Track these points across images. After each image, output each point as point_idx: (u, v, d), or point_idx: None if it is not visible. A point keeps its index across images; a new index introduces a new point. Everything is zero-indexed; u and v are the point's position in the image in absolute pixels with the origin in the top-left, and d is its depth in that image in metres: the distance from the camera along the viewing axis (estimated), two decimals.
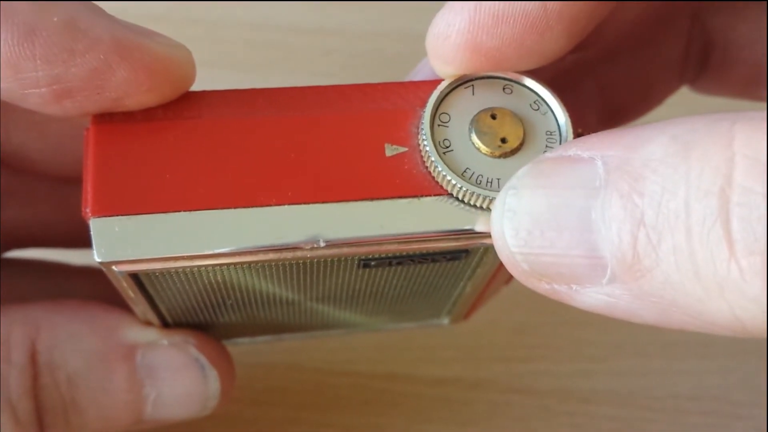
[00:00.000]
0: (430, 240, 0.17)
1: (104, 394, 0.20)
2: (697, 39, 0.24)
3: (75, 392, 0.20)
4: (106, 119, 0.17)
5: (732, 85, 0.24)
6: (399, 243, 0.17)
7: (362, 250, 0.17)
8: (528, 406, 0.29)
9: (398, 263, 0.18)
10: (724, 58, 0.23)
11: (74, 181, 0.22)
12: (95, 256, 0.16)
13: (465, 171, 0.17)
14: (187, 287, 0.18)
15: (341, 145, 0.17)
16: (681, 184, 0.13)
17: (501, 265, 0.18)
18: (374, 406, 0.29)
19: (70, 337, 0.20)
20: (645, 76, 0.24)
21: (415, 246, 0.17)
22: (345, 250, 0.17)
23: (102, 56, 0.16)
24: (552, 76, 0.20)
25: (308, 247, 0.16)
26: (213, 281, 0.18)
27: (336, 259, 0.17)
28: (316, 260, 0.17)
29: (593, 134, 0.15)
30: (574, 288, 0.15)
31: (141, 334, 0.21)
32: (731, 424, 0.29)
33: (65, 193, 0.24)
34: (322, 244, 0.16)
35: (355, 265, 0.18)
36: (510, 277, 0.20)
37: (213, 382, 0.21)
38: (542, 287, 0.16)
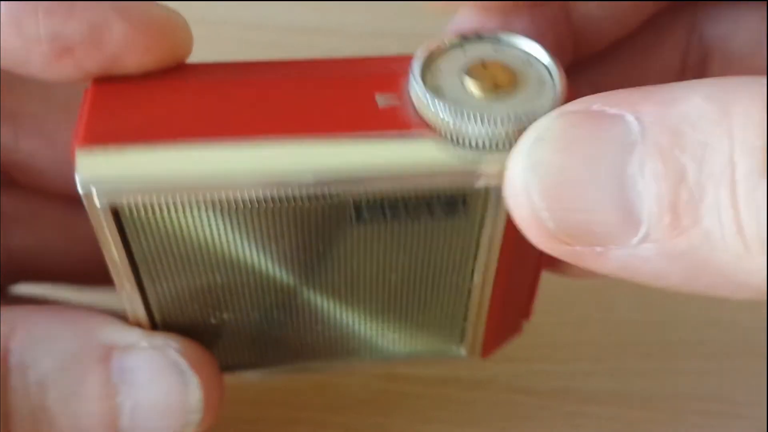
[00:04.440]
0: (422, 176, 0.17)
1: (76, 400, 0.19)
2: (696, 48, 0.23)
3: (45, 397, 0.18)
4: (106, 80, 0.18)
5: None
6: (392, 180, 0.17)
7: (354, 188, 0.17)
8: (528, 406, 0.29)
9: (393, 214, 0.18)
10: (723, 67, 0.23)
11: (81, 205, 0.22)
12: (78, 186, 0.16)
13: (458, 109, 0.16)
14: (172, 243, 0.18)
15: (333, 97, 0.17)
16: (725, 140, 0.13)
17: (509, 263, 0.18)
18: (374, 406, 0.29)
19: (45, 338, 0.19)
20: (640, 84, 0.24)
21: (408, 183, 0.17)
22: (335, 187, 0.17)
23: (100, 11, 0.17)
24: None
25: (298, 181, 0.16)
26: (199, 239, 0.18)
27: (328, 205, 0.17)
28: (307, 207, 0.17)
29: (614, 91, 0.15)
30: (598, 250, 0.15)
31: (120, 336, 0.19)
32: (731, 424, 0.29)
33: (73, 221, 0.24)
34: (312, 178, 0.16)
35: (349, 219, 0.18)
36: (529, 312, 0.21)
37: (194, 391, 0.19)
38: (562, 249, 0.15)
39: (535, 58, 0.18)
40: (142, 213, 0.17)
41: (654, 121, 0.14)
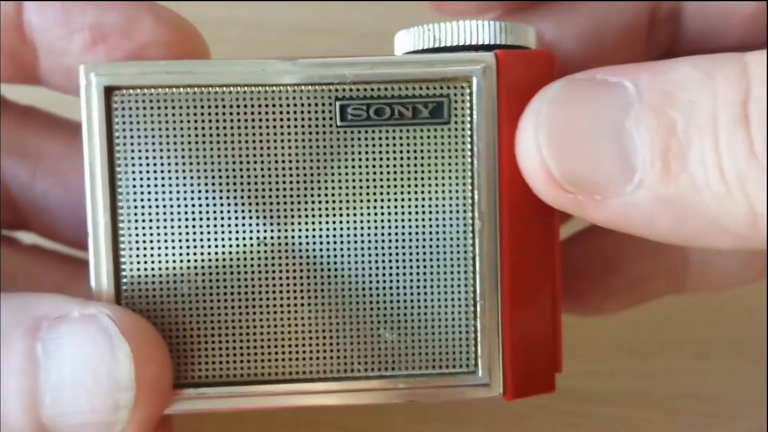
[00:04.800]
0: (404, 64, 0.18)
1: None
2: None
3: None
4: None
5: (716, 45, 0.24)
6: (372, 67, 0.18)
7: (334, 74, 0.18)
8: (528, 406, 0.29)
9: (377, 113, 0.19)
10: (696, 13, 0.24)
11: (83, 270, 0.22)
12: (79, 74, 0.18)
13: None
14: (156, 140, 0.18)
15: None
16: (708, 98, 0.16)
17: (502, 145, 0.19)
18: (374, 406, 0.29)
19: None
20: (606, 33, 0.24)
21: (389, 72, 0.18)
22: (317, 72, 0.18)
23: (135, 6, 0.20)
24: None
25: (282, 65, 0.19)
26: (183, 136, 0.18)
27: (311, 97, 0.18)
28: (289, 93, 0.18)
29: (614, 65, 0.17)
30: (597, 198, 0.17)
31: (53, 307, 0.18)
32: (731, 424, 0.29)
33: (70, 289, 0.23)
34: (295, 61, 0.19)
35: (331, 117, 0.19)
36: (559, 362, 0.21)
37: (123, 360, 0.17)
38: (564, 199, 0.17)
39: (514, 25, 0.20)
40: (132, 98, 0.18)
41: (649, 85, 0.16)
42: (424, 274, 0.19)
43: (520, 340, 0.20)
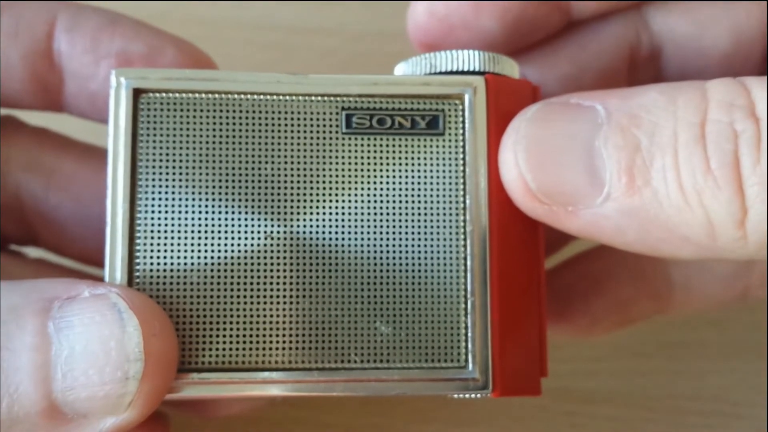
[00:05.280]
0: (404, 83, 0.21)
1: (8, 353, 0.17)
2: (645, 37, 0.26)
3: None
4: None
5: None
6: (375, 84, 0.20)
7: (341, 89, 0.20)
8: (528, 406, 0.29)
9: (379, 122, 0.20)
10: (675, 52, 0.26)
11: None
12: (111, 77, 0.20)
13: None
14: (178, 141, 0.20)
15: None
16: (670, 118, 0.18)
17: (491, 146, 0.20)
18: (374, 406, 0.29)
19: None
20: (587, 74, 0.26)
21: (391, 89, 0.20)
22: (326, 85, 0.20)
23: (160, 38, 0.23)
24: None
25: (296, 77, 0.20)
26: (205, 140, 0.20)
27: (320, 106, 0.20)
28: (300, 102, 0.20)
29: (587, 91, 0.19)
30: (570, 209, 0.19)
31: (65, 287, 0.18)
32: (731, 424, 0.29)
33: None
34: (308, 75, 0.20)
35: (338, 125, 0.20)
36: (545, 367, 0.21)
37: (132, 334, 0.17)
38: (541, 209, 0.19)
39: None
40: (158, 101, 0.20)
41: (617, 108, 0.18)
42: (419, 271, 0.20)
43: (508, 338, 0.20)
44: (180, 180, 0.20)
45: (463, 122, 0.21)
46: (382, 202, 0.20)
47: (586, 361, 0.30)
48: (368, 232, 0.20)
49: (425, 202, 0.21)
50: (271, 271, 0.20)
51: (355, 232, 0.20)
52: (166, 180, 0.20)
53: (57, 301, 0.18)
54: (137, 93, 0.20)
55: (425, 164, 0.21)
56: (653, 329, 0.32)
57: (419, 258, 0.20)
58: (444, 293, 0.20)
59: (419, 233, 0.20)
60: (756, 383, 0.29)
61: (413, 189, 0.21)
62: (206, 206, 0.20)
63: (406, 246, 0.20)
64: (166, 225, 0.20)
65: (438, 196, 0.21)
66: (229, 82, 0.20)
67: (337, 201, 0.20)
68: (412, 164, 0.21)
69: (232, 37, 0.35)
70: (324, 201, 0.20)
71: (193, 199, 0.20)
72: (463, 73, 0.21)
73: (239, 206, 0.20)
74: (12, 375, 0.17)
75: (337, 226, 0.20)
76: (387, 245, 0.20)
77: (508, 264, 0.20)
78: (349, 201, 0.20)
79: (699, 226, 0.17)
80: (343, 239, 0.20)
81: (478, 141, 0.20)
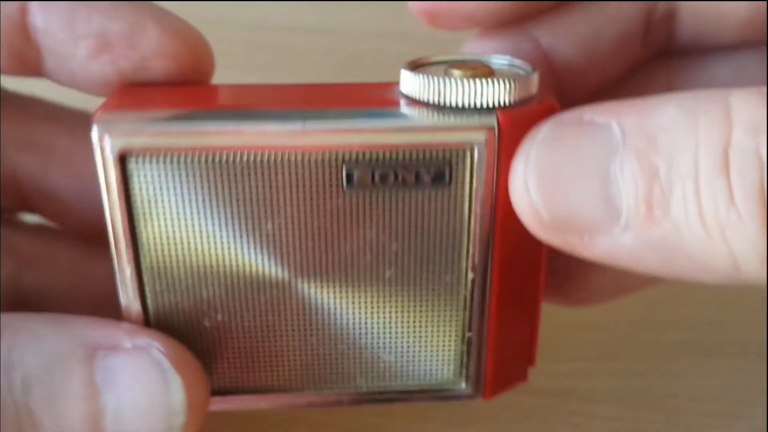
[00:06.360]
0: (409, 131, 0.18)
1: (59, 401, 0.19)
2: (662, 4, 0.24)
3: (29, 398, 0.18)
4: (132, 84, 0.21)
5: (710, 43, 0.24)
6: (378, 134, 0.18)
7: (341, 141, 0.18)
8: (528, 406, 0.29)
9: (382, 179, 0.19)
10: (696, 18, 0.24)
11: (96, 248, 0.25)
12: (92, 134, 0.18)
13: (442, 79, 0.19)
14: (171, 194, 0.19)
15: (333, 94, 0.20)
16: (691, 142, 0.16)
17: (498, 194, 0.19)
18: (374, 406, 0.29)
19: (32, 338, 0.19)
20: (600, 40, 0.24)
21: (394, 139, 0.18)
22: (325, 139, 0.18)
23: (140, 15, 0.20)
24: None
25: (290, 130, 0.18)
26: (197, 195, 0.19)
27: (319, 164, 0.19)
28: (297, 158, 0.19)
29: (603, 103, 0.17)
30: (586, 238, 0.17)
31: (104, 336, 0.20)
32: (731, 424, 0.29)
33: (86, 267, 0.25)
34: (304, 127, 0.18)
35: (339, 184, 0.19)
36: (533, 356, 0.22)
37: (176, 391, 0.19)
38: (555, 238, 0.18)
39: (516, 64, 0.20)
40: (147, 161, 0.19)
41: (634, 128, 0.16)
42: (421, 311, 0.21)
43: (502, 357, 0.22)
44: (181, 236, 0.20)
45: (472, 174, 0.19)
46: (384, 252, 0.20)
47: (586, 361, 0.30)
48: (372, 280, 0.20)
49: (428, 250, 0.20)
50: (279, 314, 0.21)
51: (360, 280, 0.20)
52: (167, 237, 0.20)
53: (100, 350, 0.19)
54: (123, 156, 0.18)
55: (430, 216, 0.20)
56: (653, 329, 0.32)
57: (421, 301, 0.21)
58: (444, 329, 0.21)
59: (422, 279, 0.20)
60: (756, 383, 0.29)
61: (416, 240, 0.20)
62: (210, 261, 0.20)
63: (409, 291, 0.21)
64: (172, 280, 0.20)
65: (442, 243, 0.20)
66: (221, 136, 0.18)
67: (339, 255, 0.20)
68: (416, 217, 0.20)
69: (232, 37, 0.35)
70: (327, 253, 0.20)
71: (197, 255, 0.20)
72: (474, 109, 0.19)
73: (242, 259, 0.20)
74: (67, 420, 0.19)
75: (341, 277, 0.20)
76: (390, 289, 0.20)
77: (506, 303, 0.21)
78: (352, 254, 0.20)
79: (722, 259, 0.16)
80: (347, 288, 0.20)
81: (486, 191, 0.19)
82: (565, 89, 0.24)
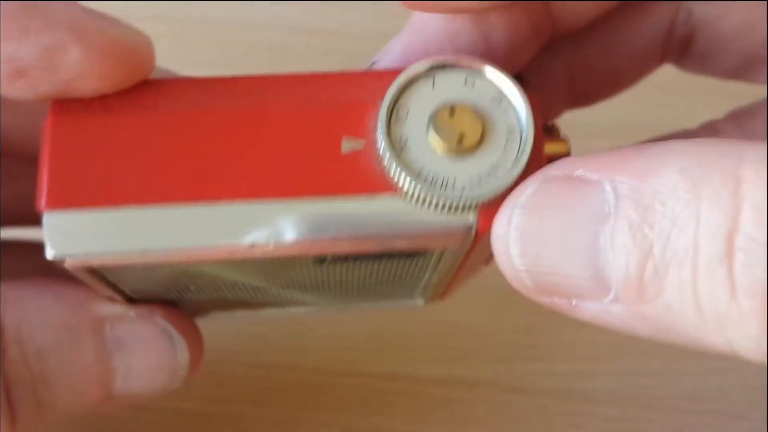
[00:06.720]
0: (383, 239, 0.17)
1: (73, 367, 0.20)
2: (682, 26, 0.23)
3: (43, 366, 0.20)
4: (64, 109, 0.17)
5: (719, 70, 0.24)
6: (351, 242, 0.17)
7: (314, 250, 0.17)
8: (528, 406, 0.29)
9: (354, 259, 0.18)
10: (711, 46, 0.23)
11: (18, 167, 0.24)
12: (47, 252, 0.16)
13: (421, 171, 0.17)
14: (146, 275, 0.18)
15: (297, 139, 0.17)
16: (691, 221, 0.14)
17: (469, 253, 0.18)
18: (374, 406, 0.29)
19: (37, 312, 0.20)
20: (619, 60, 0.23)
21: (367, 246, 0.17)
22: (296, 249, 0.17)
23: (56, 35, 0.17)
24: (518, 64, 0.21)
25: (259, 247, 0.16)
26: (172, 271, 0.18)
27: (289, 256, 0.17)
28: (269, 257, 0.17)
29: (598, 154, 0.16)
30: (574, 303, 0.16)
31: (109, 308, 0.21)
32: (731, 424, 0.29)
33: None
34: (272, 246, 0.16)
35: (310, 262, 0.18)
36: (490, 258, 0.19)
37: (182, 353, 0.21)
38: (542, 299, 0.17)
39: (507, 98, 0.17)
40: (115, 270, 0.18)
41: (627, 194, 0.15)
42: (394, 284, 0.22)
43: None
44: (160, 290, 0.20)
45: (448, 254, 0.18)
46: (353, 285, 0.22)
47: (586, 361, 0.30)
48: (338, 293, 0.23)
49: (396, 282, 0.22)
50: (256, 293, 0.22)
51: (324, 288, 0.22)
52: (148, 291, 0.20)
53: (107, 321, 0.21)
54: (90, 269, 0.17)
55: (404, 273, 0.21)
56: None
57: (390, 288, 0.23)
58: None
59: (386, 292, 0.23)
60: (756, 383, 0.29)
61: (385, 280, 0.21)
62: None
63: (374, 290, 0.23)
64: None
65: (409, 277, 0.21)
66: (176, 252, 0.17)
67: (307, 287, 0.21)
68: (388, 272, 0.20)
69: (232, 37, 0.35)
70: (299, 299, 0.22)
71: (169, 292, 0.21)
72: (455, 208, 0.17)
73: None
74: (81, 384, 0.20)
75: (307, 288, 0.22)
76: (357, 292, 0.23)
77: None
78: (319, 285, 0.21)
79: (718, 343, 0.14)
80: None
81: (458, 259, 0.19)
82: (561, 20, 0.21)
